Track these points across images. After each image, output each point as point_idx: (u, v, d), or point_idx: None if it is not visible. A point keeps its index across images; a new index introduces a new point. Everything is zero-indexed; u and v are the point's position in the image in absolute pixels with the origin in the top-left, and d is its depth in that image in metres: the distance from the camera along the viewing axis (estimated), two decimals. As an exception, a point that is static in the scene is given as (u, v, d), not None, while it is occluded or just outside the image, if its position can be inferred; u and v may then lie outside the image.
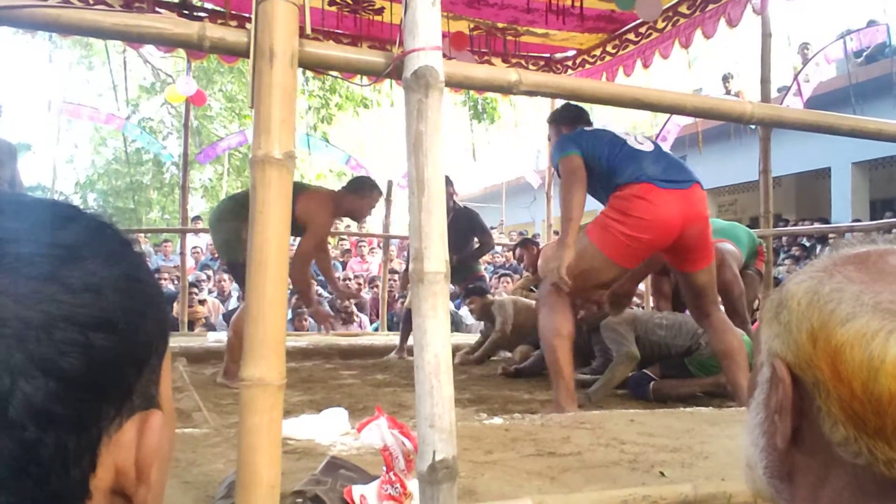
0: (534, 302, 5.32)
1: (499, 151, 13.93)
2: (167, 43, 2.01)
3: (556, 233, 7.56)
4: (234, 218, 3.76)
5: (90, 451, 0.39)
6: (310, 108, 11.42)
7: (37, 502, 0.37)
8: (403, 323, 5.31)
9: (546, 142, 7.40)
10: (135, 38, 1.73)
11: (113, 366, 0.40)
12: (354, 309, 7.83)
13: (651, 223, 3.00)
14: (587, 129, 3.46)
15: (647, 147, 3.23)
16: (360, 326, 7.84)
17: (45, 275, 0.38)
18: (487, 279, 8.68)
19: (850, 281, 0.55)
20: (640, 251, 3.09)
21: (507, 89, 1.81)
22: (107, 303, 0.40)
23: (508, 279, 8.58)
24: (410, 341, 5.23)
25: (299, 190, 4.16)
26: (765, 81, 4.66)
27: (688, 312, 3.70)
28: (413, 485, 1.58)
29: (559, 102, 6.92)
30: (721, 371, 3.59)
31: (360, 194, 4.23)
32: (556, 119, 3.72)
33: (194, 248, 10.36)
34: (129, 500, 0.42)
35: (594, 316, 4.15)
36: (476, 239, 5.54)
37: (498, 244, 12.54)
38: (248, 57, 1.46)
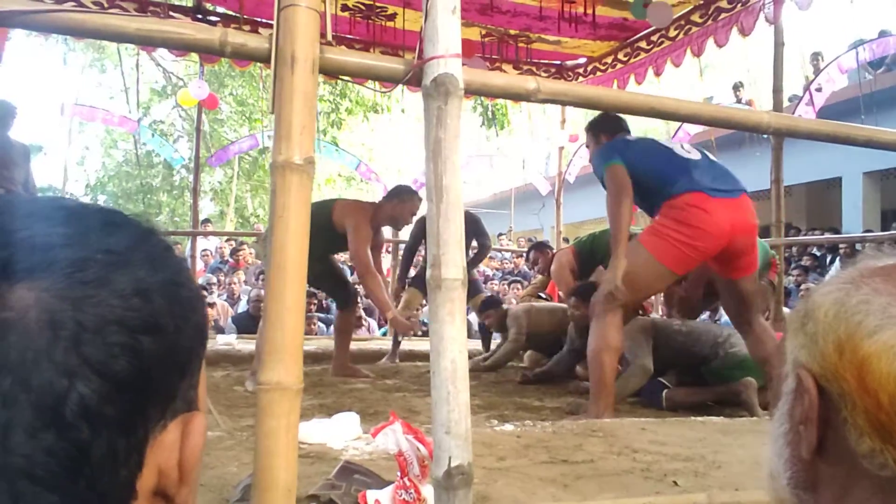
0: (550, 304, 5.33)
1: (508, 157, 13.94)
2: (189, 48, 2.03)
3: (565, 240, 7.57)
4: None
5: (137, 453, 0.40)
6: (320, 113, 11.46)
7: (87, 503, 0.38)
8: None
9: (556, 150, 7.44)
10: (158, 44, 1.75)
11: (160, 369, 0.40)
12: (363, 313, 7.83)
13: (707, 232, 3.07)
14: (628, 138, 3.46)
15: (696, 156, 3.27)
16: (369, 331, 7.84)
17: (97, 279, 0.39)
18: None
19: (877, 293, 0.55)
20: (694, 259, 3.16)
21: (525, 97, 1.81)
22: (154, 307, 0.41)
23: (518, 285, 8.59)
24: (406, 346, 5.27)
25: (332, 201, 4.42)
26: (777, 91, 4.64)
27: (705, 318, 3.70)
28: (427, 490, 1.58)
29: (571, 110, 6.96)
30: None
31: (401, 199, 4.39)
32: (595, 127, 3.69)
33: (204, 251, 10.40)
34: (171, 501, 0.43)
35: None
36: (475, 242, 5.52)
37: (507, 250, 12.57)
38: (268, 63, 1.48)
